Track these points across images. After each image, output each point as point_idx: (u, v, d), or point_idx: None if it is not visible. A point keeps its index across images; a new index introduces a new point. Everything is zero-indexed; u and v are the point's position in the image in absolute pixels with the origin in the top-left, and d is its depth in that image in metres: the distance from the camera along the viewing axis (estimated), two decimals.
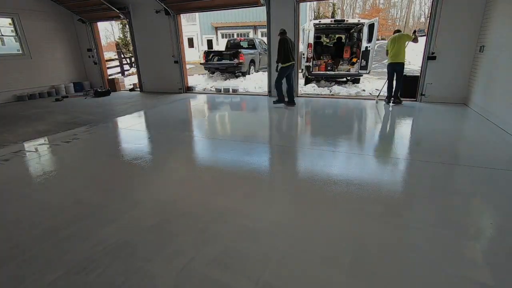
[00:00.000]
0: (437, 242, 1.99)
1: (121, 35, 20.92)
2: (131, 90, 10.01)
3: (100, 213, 2.47)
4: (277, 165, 3.56)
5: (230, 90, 9.17)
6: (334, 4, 27.70)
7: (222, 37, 25.05)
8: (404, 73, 6.39)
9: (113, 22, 21.68)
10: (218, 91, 9.31)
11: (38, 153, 4.12)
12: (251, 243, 2.03)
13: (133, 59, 13.55)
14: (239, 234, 2.13)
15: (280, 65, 6.37)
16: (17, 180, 3.27)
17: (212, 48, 23.49)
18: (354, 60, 9.98)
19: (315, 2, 21.88)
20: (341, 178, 2.98)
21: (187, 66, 9.46)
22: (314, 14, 20.99)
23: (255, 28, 23.95)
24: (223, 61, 11.99)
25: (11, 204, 2.72)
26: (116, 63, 15.88)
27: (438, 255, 1.87)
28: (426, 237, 2.04)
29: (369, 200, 2.54)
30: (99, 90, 9.04)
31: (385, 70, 6.65)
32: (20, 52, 8.62)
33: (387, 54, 6.51)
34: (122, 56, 16.16)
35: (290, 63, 6.32)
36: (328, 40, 14.91)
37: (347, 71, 9.82)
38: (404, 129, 4.98)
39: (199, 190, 2.87)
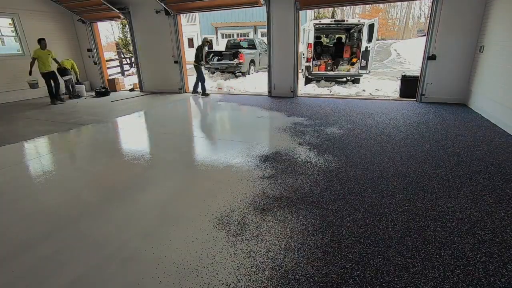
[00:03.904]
0: None
1: (121, 35, 20.95)
2: (131, 90, 10.00)
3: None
4: None
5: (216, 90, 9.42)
6: None
7: (222, 37, 25.07)
8: (404, 73, 6.37)
9: (113, 22, 21.66)
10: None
11: (38, 153, 4.12)
12: None
13: (133, 59, 13.56)
14: None
15: None
16: (16, 180, 3.27)
17: (212, 48, 23.46)
18: (354, 60, 9.97)
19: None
20: None
21: (187, 66, 9.46)
22: (314, 14, 21.00)
23: (255, 28, 23.96)
24: (223, 61, 12.00)
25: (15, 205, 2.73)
26: (116, 63, 15.89)
27: None
28: None
29: None
30: (99, 90, 9.03)
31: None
32: (20, 52, 8.62)
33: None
34: (122, 56, 16.17)
35: None
36: (328, 40, 14.91)
37: (347, 71, 9.82)
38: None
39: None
